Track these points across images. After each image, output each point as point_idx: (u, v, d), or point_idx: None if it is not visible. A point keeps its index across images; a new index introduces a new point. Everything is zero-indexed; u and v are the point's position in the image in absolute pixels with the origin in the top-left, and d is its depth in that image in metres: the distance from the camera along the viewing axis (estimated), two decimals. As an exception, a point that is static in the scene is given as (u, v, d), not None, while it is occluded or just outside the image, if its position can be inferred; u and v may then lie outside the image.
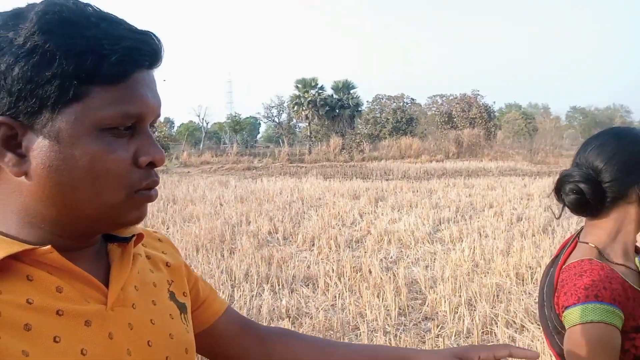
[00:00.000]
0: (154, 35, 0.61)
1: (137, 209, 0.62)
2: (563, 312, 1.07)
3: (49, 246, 0.56)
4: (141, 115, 0.59)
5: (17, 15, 0.55)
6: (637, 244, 1.16)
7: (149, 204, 0.67)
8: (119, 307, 0.62)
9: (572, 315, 1.04)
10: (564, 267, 1.13)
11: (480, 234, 6.76)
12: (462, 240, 6.38)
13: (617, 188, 1.09)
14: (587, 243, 1.13)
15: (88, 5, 0.58)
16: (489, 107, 30.05)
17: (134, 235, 0.69)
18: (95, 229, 0.62)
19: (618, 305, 1.01)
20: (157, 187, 0.64)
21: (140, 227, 0.71)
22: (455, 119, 29.47)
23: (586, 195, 1.11)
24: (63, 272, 0.58)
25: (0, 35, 0.54)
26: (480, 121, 28.07)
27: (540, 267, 4.99)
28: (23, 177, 0.56)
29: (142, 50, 0.58)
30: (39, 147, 0.56)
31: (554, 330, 1.12)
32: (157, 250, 0.78)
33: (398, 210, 8.72)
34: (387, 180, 13.99)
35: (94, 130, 0.56)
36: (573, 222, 7.09)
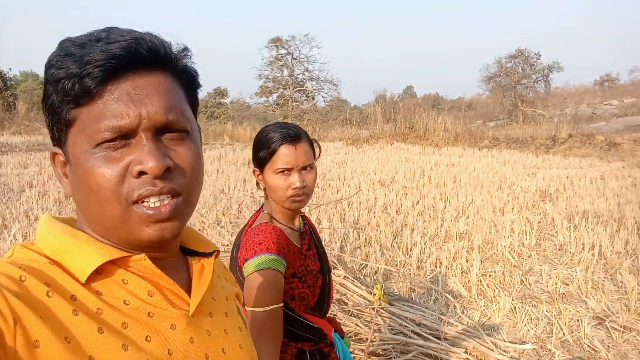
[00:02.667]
0: (137, 38, 0.60)
1: (147, 227, 0.60)
2: (243, 264, 1.31)
3: (142, 254, 0.63)
4: (125, 125, 0.58)
5: None
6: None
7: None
8: (198, 315, 0.67)
9: (250, 265, 1.29)
10: (248, 230, 1.37)
11: (29, 217, 6.17)
12: (8, 228, 5.67)
13: (258, 167, 1.44)
14: (264, 211, 1.43)
15: (88, 35, 0.60)
16: (4, 74, 26.67)
17: (214, 251, 0.74)
18: (132, 243, 0.63)
19: (282, 256, 1.32)
20: (169, 203, 0.61)
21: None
22: (-41, 85, 24.63)
23: None
24: (153, 279, 0.63)
25: None
26: (-5, 89, 24.59)
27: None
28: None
29: (111, 61, 0.57)
30: (68, 171, 0.64)
31: (237, 280, 1.35)
32: (222, 274, 0.84)
33: None
34: None
35: (89, 148, 0.59)
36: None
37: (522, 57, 32.82)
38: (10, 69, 28.42)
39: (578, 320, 3.71)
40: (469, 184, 9.20)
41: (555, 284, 4.36)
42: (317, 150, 1.46)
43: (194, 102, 0.70)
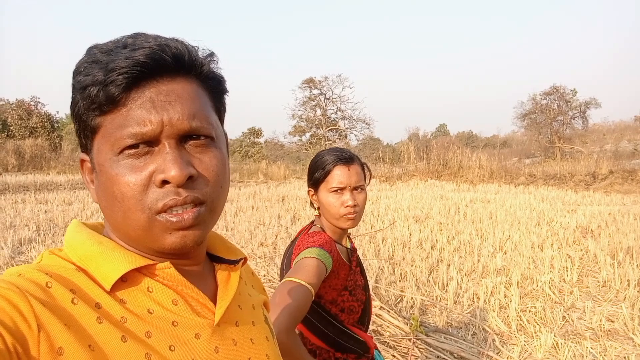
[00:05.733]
0: (162, 44, 0.59)
1: (170, 235, 0.59)
2: (296, 257, 1.38)
3: (167, 262, 0.62)
4: (147, 132, 0.58)
5: None
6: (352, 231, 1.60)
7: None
8: (224, 324, 0.66)
9: (302, 254, 1.36)
10: (302, 235, 1.49)
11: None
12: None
13: (312, 187, 1.54)
14: (316, 225, 1.53)
15: (115, 42, 0.60)
16: (52, 116, 28.12)
17: (241, 259, 0.73)
18: (155, 251, 0.62)
19: (332, 256, 1.39)
20: (192, 210, 0.60)
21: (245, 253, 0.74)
22: (12, 128, 26.11)
23: None
24: (178, 287, 0.63)
25: None
26: (43, 131, 25.95)
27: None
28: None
29: (135, 68, 0.57)
30: (94, 178, 0.63)
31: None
32: (250, 281, 0.84)
33: (-41, 235, 7.16)
34: None
35: (113, 155, 0.59)
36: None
37: (557, 94, 32.49)
38: (58, 112, 29.95)
39: (625, 357, 3.55)
40: (506, 220, 9.03)
41: (600, 321, 4.20)
42: (367, 174, 1.56)
43: (220, 108, 0.69)
